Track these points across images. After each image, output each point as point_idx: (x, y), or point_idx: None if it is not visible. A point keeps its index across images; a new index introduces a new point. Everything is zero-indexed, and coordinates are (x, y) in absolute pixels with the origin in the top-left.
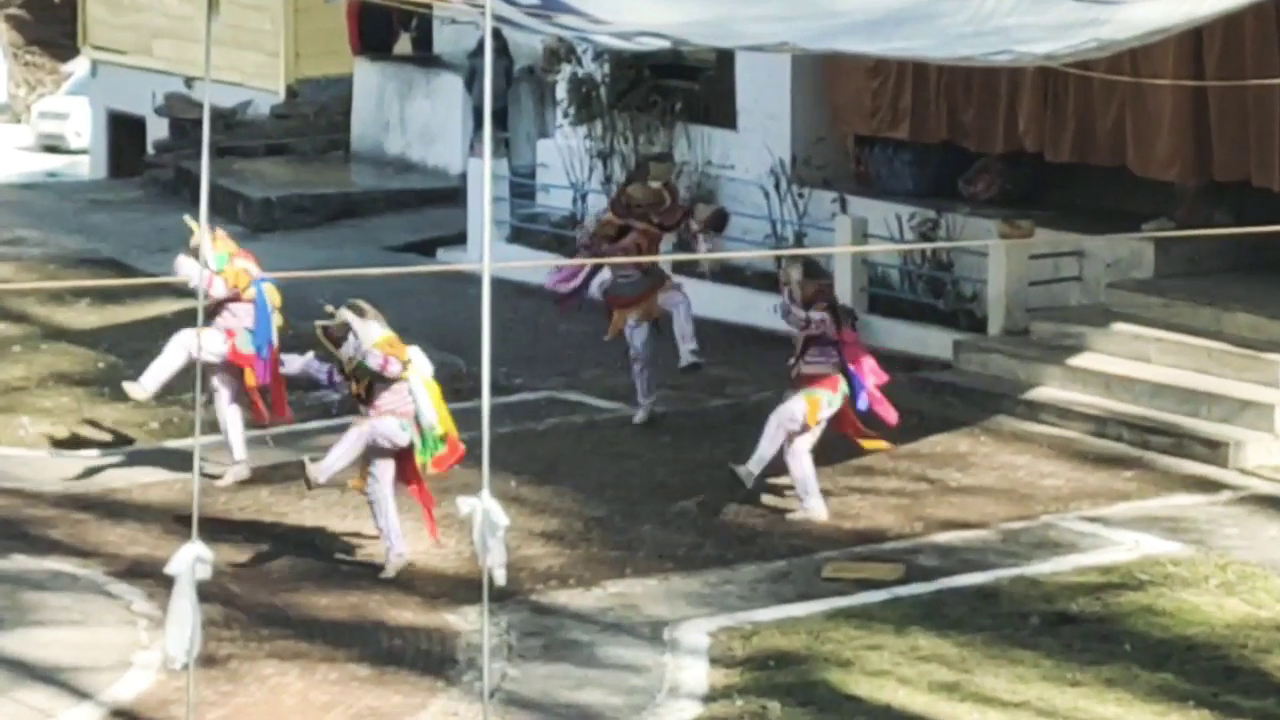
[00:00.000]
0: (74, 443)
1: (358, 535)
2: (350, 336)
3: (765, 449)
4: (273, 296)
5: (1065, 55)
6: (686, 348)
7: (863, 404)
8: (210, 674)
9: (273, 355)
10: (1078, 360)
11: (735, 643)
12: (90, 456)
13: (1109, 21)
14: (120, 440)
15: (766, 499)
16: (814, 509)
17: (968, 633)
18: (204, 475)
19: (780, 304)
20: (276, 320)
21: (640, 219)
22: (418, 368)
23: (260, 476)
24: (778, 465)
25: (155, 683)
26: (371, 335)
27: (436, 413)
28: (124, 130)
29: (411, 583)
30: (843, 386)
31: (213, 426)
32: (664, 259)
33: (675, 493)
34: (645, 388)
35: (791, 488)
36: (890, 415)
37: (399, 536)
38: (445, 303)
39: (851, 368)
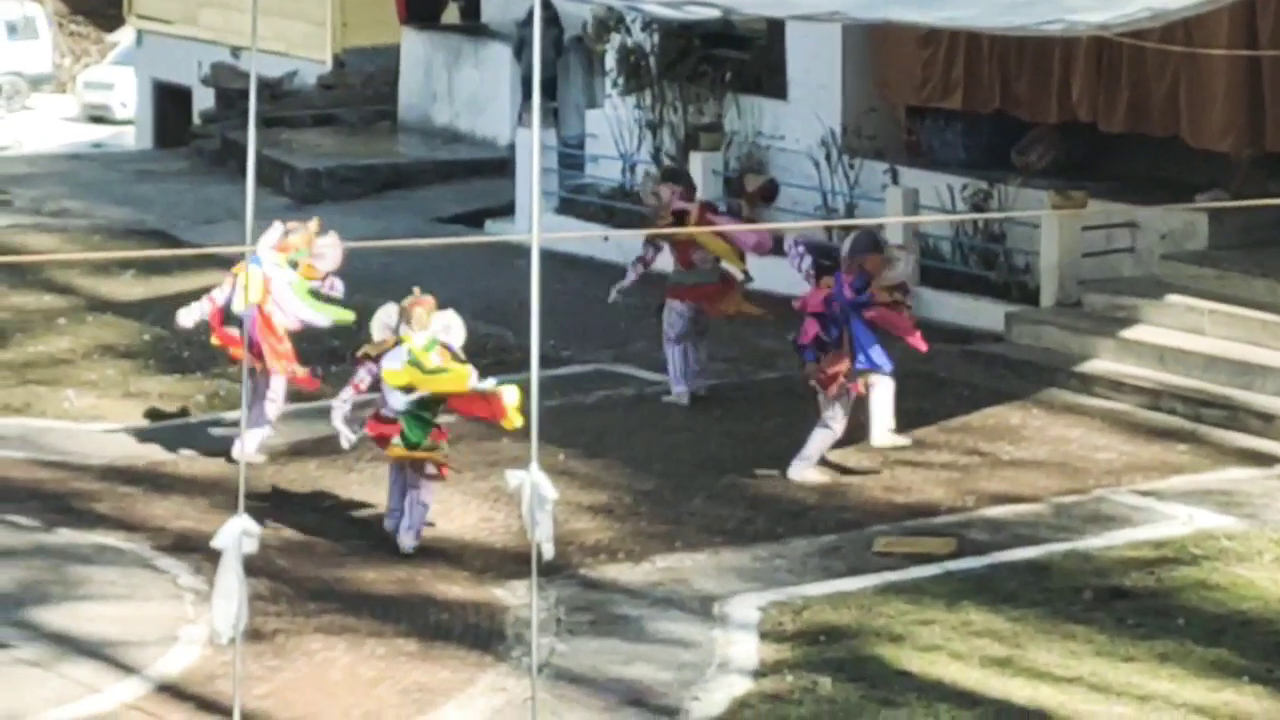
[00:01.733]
0: (119, 415)
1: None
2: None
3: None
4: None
5: (1118, 25)
6: (676, 389)
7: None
8: (257, 648)
9: (258, 319)
10: (1131, 332)
11: (786, 617)
12: (136, 430)
13: None
14: (166, 413)
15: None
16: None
17: (1020, 608)
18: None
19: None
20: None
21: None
22: (387, 364)
23: (307, 450)
24: (841, 439)
25: (201, 657)
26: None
27: (415, 391)
28: (170, 100)
29: (459, 557)
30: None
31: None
32: (711, 230)
33: (725, 466)
34: (680, 370)
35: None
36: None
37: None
38: (493, 274)
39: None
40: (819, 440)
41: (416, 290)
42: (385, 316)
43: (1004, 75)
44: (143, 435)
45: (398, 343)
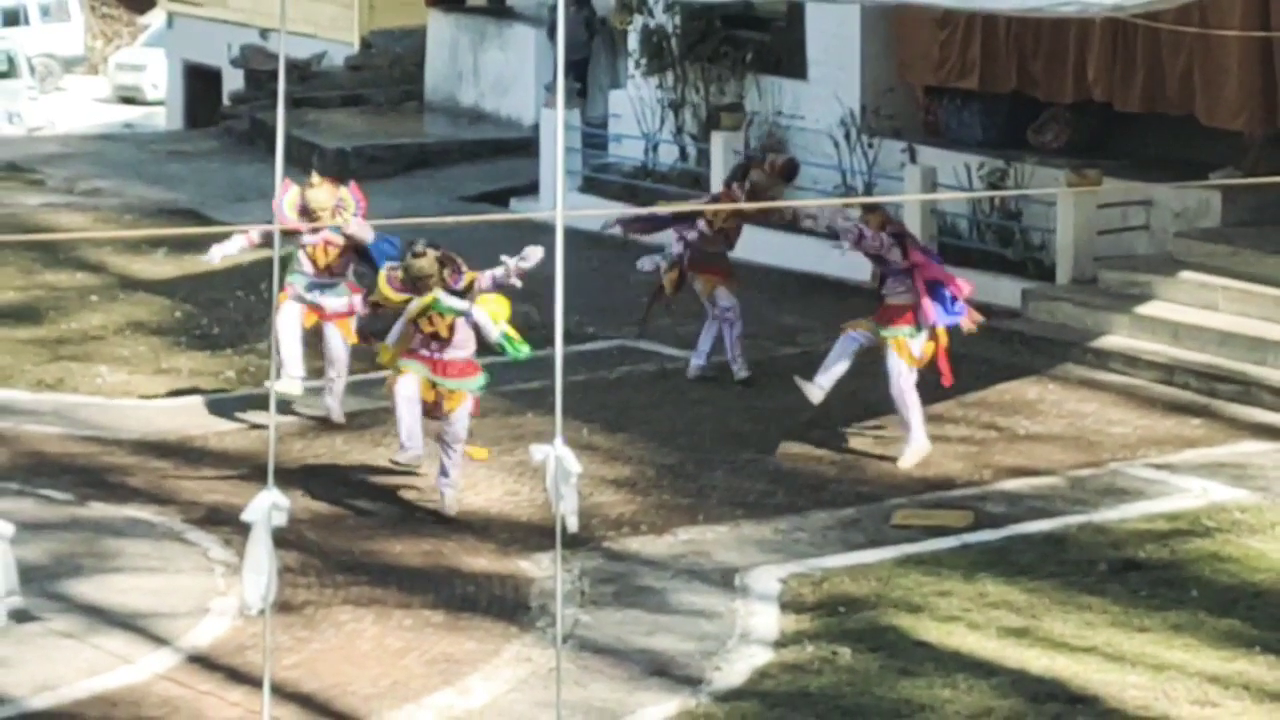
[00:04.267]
0: (151, 391)
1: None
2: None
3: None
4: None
5: (1133, 6)
6: (695, 363)
7: (951, 319)
8: (286, 620)
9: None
10: (1145, 309)
11: (806, 589)
12: (167, 404)
13: None
14: (197, 388)
15: (852, 443)
16: (918, 445)
17: (1036, 579)
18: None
19: (849, 234)
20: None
21: None
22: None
23: (335, 424)
24: (863, 412)
25: (232, 628)
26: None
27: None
28: (200, 82)
29: (485, 530)
30: (921, 319)
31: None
32: (737, 207)
33: (746, 441)
34: (723, 347)
35: (878, 429)
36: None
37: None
38: (518, 252)
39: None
40: None
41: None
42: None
43: (1020, 56)
44: (173, 410)
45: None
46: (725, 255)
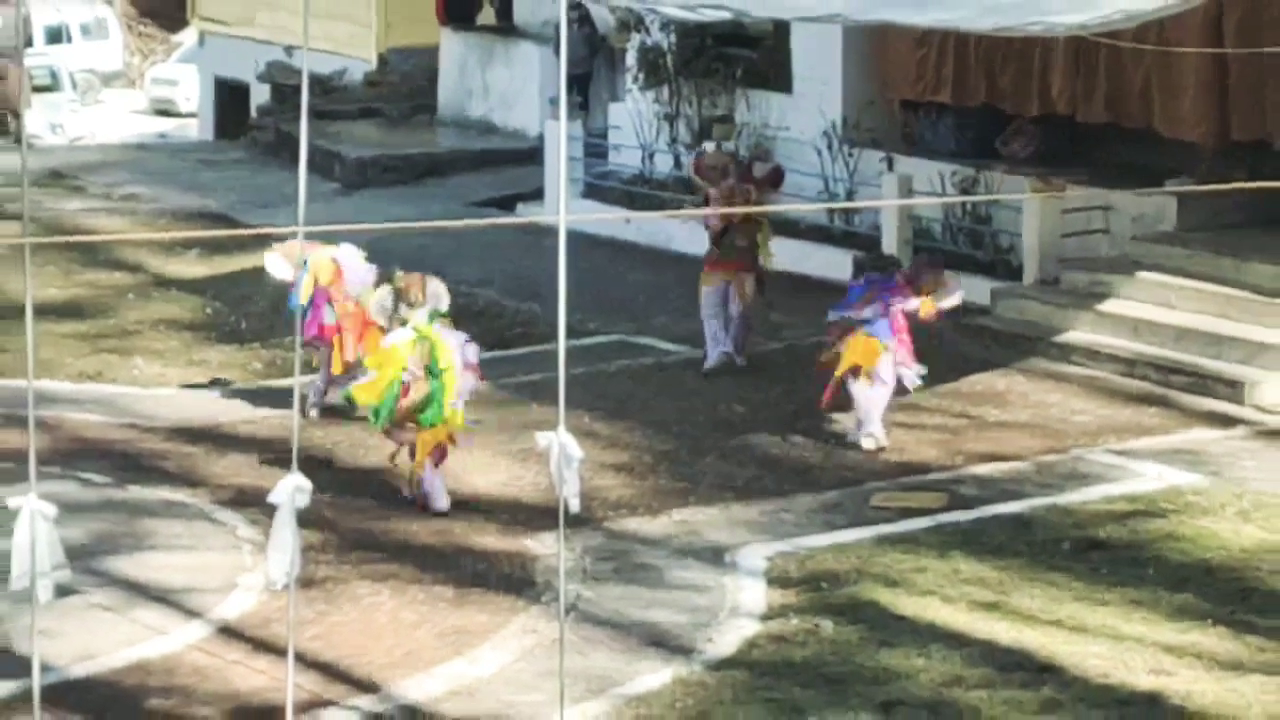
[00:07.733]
0: (184, 381)
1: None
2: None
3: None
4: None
5: (1095, 25)
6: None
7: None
8: (309, 594)
9: (314, 315)
10: (1106, 306)
11: (791, 566)
12: (198, 395)
13: None
14: (226, 380)
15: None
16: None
17: (1005, 557)
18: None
19: None
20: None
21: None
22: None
23: (353, 415)
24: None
25: (258, 602)
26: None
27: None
28: (229, 95)
29: (492, 511)
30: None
31: (308, 368)
32: (723, 212)
33: (736, 428)
34: (730, 337)
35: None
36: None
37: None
38: (524, 254)
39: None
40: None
41: (400, 271)
42: (381, 299)
43: (990, 72)
44: (204, 399)
45: (402, 324)
46: (713, 250)
